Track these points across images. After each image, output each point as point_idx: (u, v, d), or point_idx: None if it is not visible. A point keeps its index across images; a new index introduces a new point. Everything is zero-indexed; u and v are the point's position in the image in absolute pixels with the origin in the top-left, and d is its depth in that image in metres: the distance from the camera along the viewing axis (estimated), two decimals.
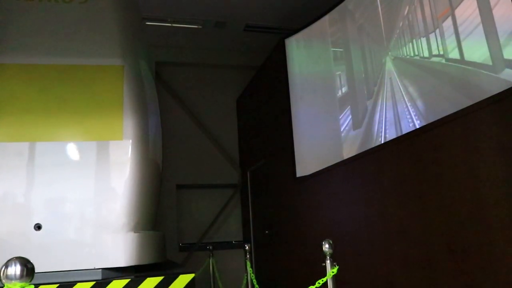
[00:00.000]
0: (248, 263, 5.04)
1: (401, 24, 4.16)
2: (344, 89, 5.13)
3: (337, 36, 5.31)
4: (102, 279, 3.35)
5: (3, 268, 1.92)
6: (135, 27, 4.44)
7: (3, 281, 1.92)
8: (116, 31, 4.04)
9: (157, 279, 3.40)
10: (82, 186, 3.61)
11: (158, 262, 3.97)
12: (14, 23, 3.87)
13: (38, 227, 3.45)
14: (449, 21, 3.50)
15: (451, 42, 3.49)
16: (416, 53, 3.94)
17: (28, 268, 1.95)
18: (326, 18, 5.51)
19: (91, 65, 3.87)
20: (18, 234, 3.43)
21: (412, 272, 3.72)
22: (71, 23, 3.97)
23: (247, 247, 5.15)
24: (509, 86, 2.90)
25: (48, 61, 3.82)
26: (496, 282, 2.91)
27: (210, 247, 6.49)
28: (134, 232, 3.63)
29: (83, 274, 3.39)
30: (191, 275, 3.50)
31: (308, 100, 5.76)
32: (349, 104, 5.01)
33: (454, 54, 3.45)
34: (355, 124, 4.85)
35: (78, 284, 3.21)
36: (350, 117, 4.96)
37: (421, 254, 3.62)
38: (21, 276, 1.92)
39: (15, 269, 1.91)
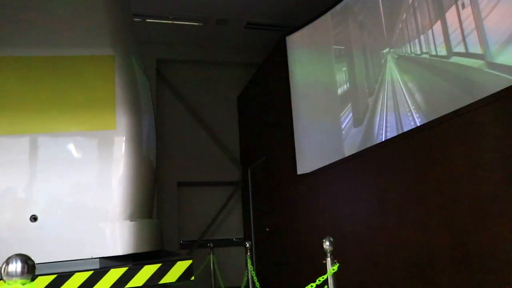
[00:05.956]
0: (249, 260, 5.05)
1: (403, 20, 4.15)
2: (345, 87, 5.12)
3: (339, 34, 5.29)
4: (100, 268, 3.34)
5: (4, 265, 1.93)
6: (125, 18, 4.44)
7: (4, 278, 1.92)
8: (106, 21, 4.03)
9: (155, 267, 3.39)
10: (77, 176, 3.60)
11: (155, 250, 3.97)
12: (2, 15, 3.86)
13: (34, 218, 3.44)
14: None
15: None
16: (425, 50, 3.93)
17: (29, 265, 1.95)
18: (327, 15, 5.50)
19: (82, 56, 3.86)
20: (14, 226, 3.42)
21: (412, 270, 3.72)
22: (60, 14, 3.96)
23: (247, 244, 5.15)
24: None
25: (38, 52, 3.80)
26: (497, 280, 2.91)
27: (211, 245, 6.50)
28: (131, 220, 3.62)
29: (81, 264, 3.38)
30: (189, 261, 3.50)
31: (309, 98, 5.76)
32: (350, 101, 5.00)
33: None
34: (356, 122, 4.84)
35: (76, 273, 3.19)
36: (351, 114, 4.96)
37: (421, 251, 3.62)
38: (22, 273, 1.92)
39: (15, 266, 1.92)
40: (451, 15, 3.47)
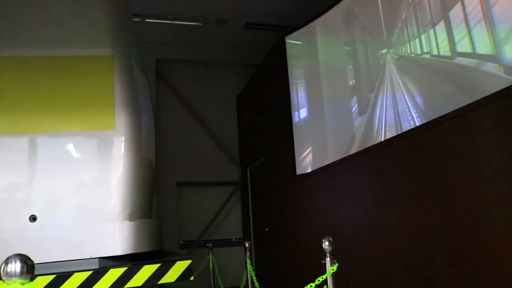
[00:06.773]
0: (248, 260, 5.05)
1: (403, 17, 4.15)
2: (344, 86, 5.12)
3: (337, 34, 5.29)
4: (99, 268, 3.34)
5: (3, 265, 1.93)
6: (125, 17, 4.44)
7: (3, 278, 1.92)
8: (105, 20, 4.03)
9: (154, 267, 3.39)
10: (76, 176, 3.60)
11: (154, 250, 3.98)
12: (1, 15, 3.86)
13: (33, 218, 3.45)
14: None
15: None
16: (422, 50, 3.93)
17: (28, 265, 1.95)
18: (326, 15, 5.50)
19: (82, 56, 3.86)
20: (13, 226, 3.42)
21: (411, 270, 3.72)
22: (59, 14, 3.96)
23: (247, 244, 5.15)
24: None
25: (37, 52, 3.80)
26: (496, 279, 2.91)
27: (210, 245, 6.50)
28: (130, 220, 3.63)
29: (80, 264, 3.38)
30: (188, 262, 3.50)
31: (308, 98, 5.76)
32: (349, 101, 5.00)
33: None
34: (355, 121, 4.84)
35: (76, 273, 3.19)
36: (350, 114, 4.96)
37: (421, 251, 3.62)
38: (21, 273, 1.92)
39: (15, 266, 1.92)
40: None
